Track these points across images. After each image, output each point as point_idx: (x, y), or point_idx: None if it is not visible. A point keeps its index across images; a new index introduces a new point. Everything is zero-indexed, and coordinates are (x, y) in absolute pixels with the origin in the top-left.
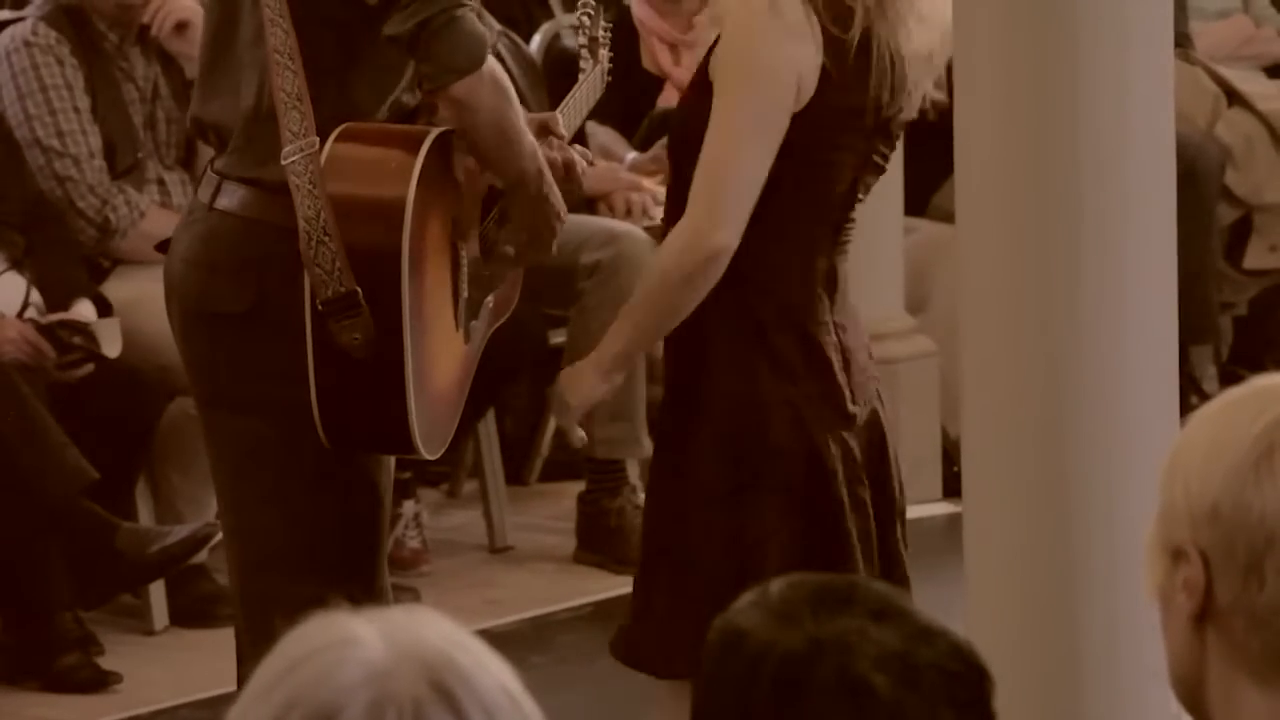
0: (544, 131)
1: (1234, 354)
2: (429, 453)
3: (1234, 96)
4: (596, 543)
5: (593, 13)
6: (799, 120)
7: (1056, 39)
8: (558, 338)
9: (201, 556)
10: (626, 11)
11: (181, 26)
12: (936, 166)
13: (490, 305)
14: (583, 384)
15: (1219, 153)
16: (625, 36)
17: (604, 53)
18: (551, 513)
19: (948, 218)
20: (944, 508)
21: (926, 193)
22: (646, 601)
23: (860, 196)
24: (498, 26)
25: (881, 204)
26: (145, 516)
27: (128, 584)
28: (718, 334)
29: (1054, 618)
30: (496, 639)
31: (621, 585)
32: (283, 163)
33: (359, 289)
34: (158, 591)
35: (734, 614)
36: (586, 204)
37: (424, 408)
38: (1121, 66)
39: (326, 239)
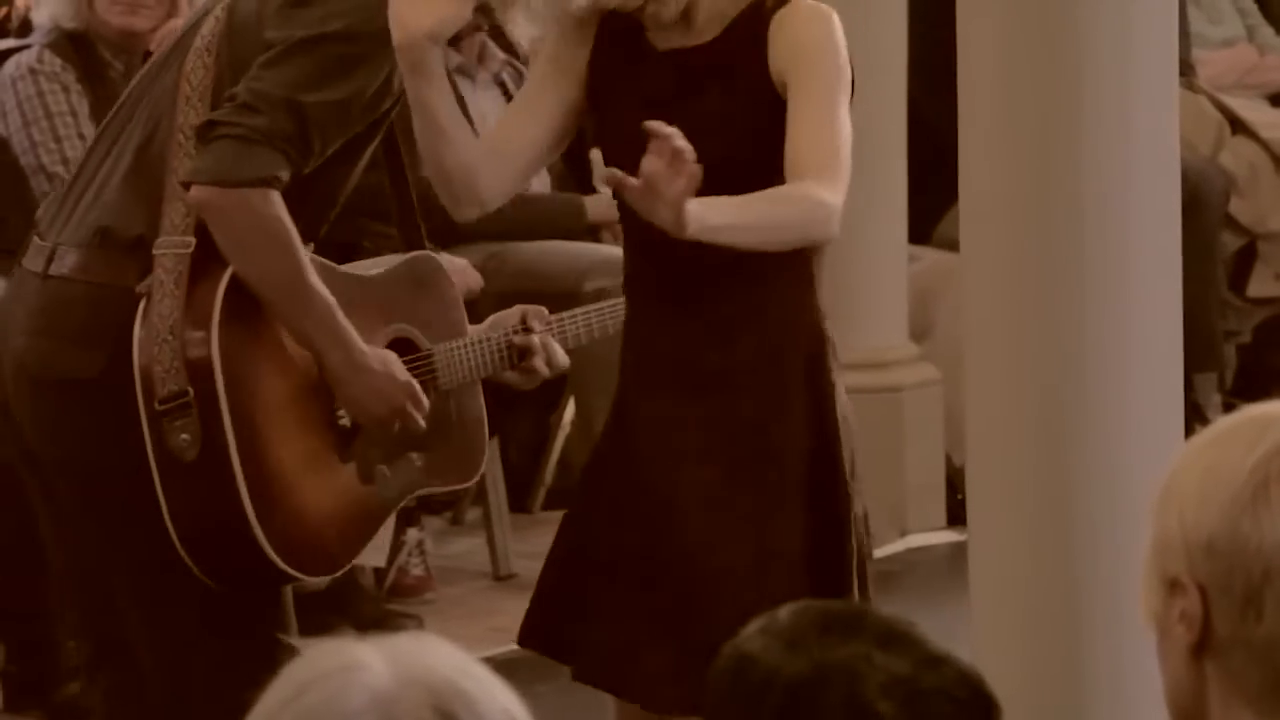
0: (525, 316)
1: (1238, 382)
2: (307, 572)
3: (1237, 125)
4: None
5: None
6: None
7: (1060, 68)
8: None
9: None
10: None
11: None
12: (940, 195)
13: (419, 464)
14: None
15: (1223, 181)
16: None
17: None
18: None
19: (952, 246)
20: (948, 536)
21: (930, 221)
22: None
23: None
24: (502, 56)
25: (886, 232)
26: None
27: None
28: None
29: (1059, 646)
30: (500, 667)
31: None
32: (154, 252)
33: (191, 390)
34: None
35: (741, 640)
36: (590, 232)
37: (278, 523)
38: (1125, 96)
39: (171, 339)
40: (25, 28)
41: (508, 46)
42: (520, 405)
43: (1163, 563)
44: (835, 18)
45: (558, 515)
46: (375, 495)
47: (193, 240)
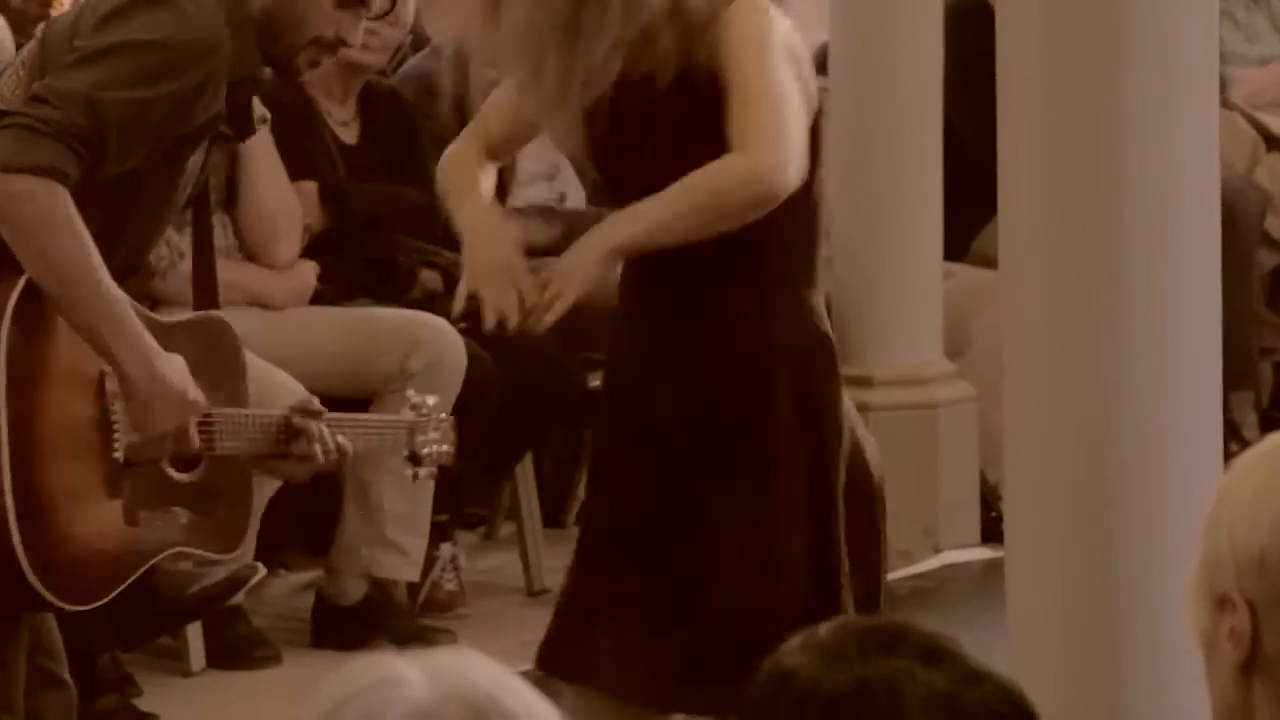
0: (301, 409)
1: (1274, 400)
2: (65, 600)
3: (1272, 141)
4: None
5: (426, 401)
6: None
7: (1101, 84)
8: (596, 381)
9: (239, 598)
10: None
11: None
12: (976, 212)
13: (182, 521)
14: (584, 262)
15: (1258, 198)
16: None
17: (425, 425)
18: None
19: (987, 263)
20: (982, 553)
21: (966, 238)
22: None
23: None
24: None
25: (921, 249)
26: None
27: (166, 625)
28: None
29: (1097, 664)
30: (535, 681)
31: None
32: None
33: None
34: (195, 633)
35: (782, 655)
36: None
37: (42, 548)
38: (1167, 111)
39: None
40: None
41: None
42: (553, 421)
43: (1212, 580)
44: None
45: None
46: (136, 540)
47: None
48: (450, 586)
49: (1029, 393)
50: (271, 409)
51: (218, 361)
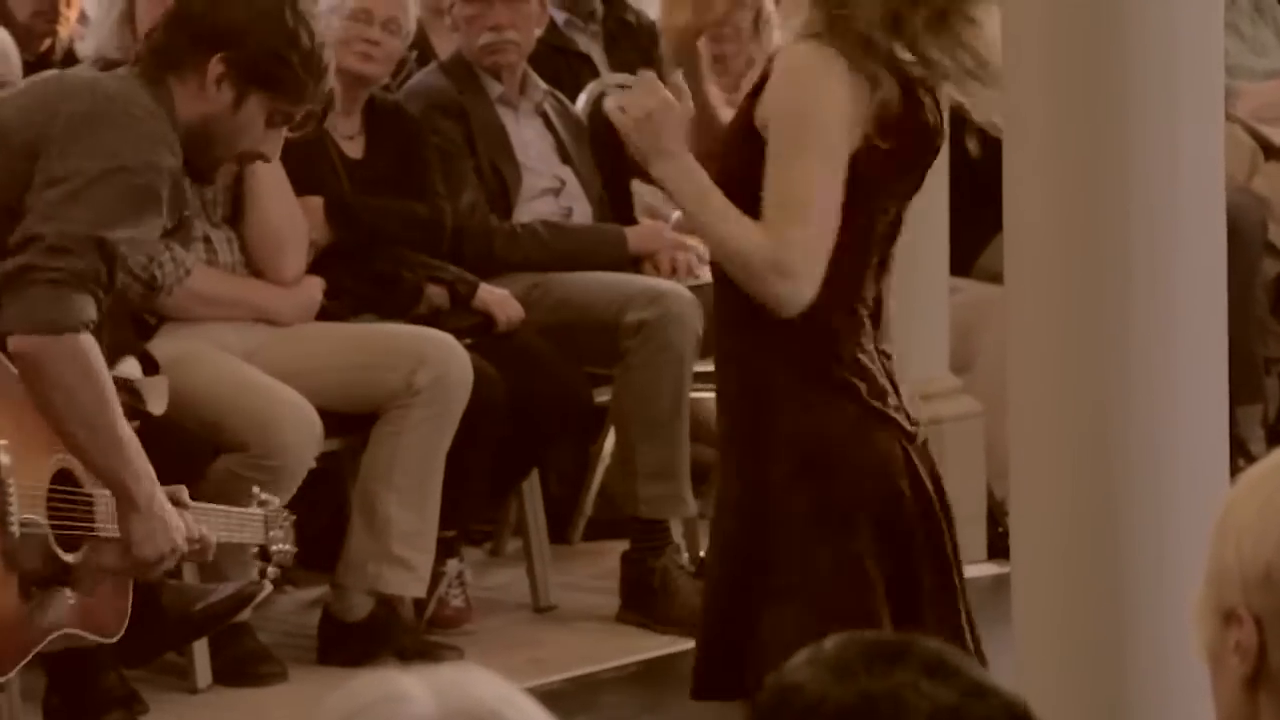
0: (174, 499)
1: None
2: None
3: (1270, 150)
4: (640, 602)
5: (278, 504)
6: (854, 162)
7: (1105, 100)
8: (602, 397)
9: (245, 615)
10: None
11: None
12: (982, 227)
13: (73, 603)
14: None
15: (1259, 208)
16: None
17: (275, 522)
18: (595, 572)
19: (993, 278)
20: (989, 569)
21: (972, 253)
22: (735, 637)
23: (902, 223)
24: (544, 86)
25: (927, 264)
26: (189, 574)
27: (172, 642)
28: (777, 372)
29: (1103, 679)
30: (541, 698)
31: (666, 645)
32: None
33: None
34: (201, 650)
35: (788, 670)
36: (631, 263)
37: None
38: (1171, 127)
39: None
40: (70, 59)
41: (550, 77)
42: (560, 437)
43: (1219, 594)
44: (806, 68)
45: (597, 546)
46: (27, 615)
47: None
48: (457, 603)
49: (1034, 408)
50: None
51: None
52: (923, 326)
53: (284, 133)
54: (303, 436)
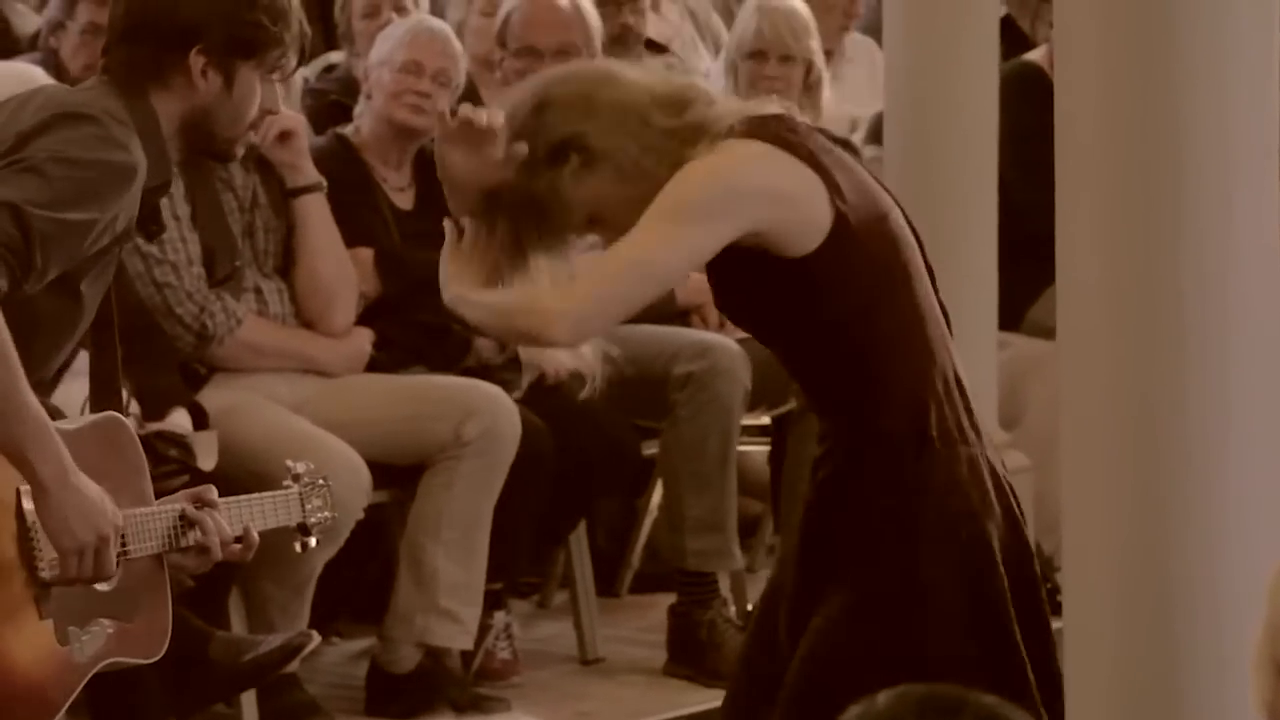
0: (194, 499)
1: None
2: None
3: None
4: (688, 655)
5: (309, 466)
6: (839, 241)
7: (1160, 153)
8: (650, 449)
9: (293, 666)
10: None
11: (285, 136)
12: (1031, 281)
13: (111, 632)
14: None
15: None
16: None
17: (309, 492)
18: (642, 625)
19: (1042, 333)
20: None
21: (1021, 308)
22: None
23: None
24: None
25: (975, 319)
26: (238, 625)
27: (221, 693)
28: (862, 463)
29: None
30: None
31: (713, 698)
32: None
33: None
34: (250, 701)
35: None
36: (679, 316)
37: None
38: (1225, 181)
39: None
40: None
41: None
42: (607, 489)
43: (1275, 647)
44: (733, 154)
45: (645, 599)
46: (68, 657)
47: None
48: (504, 655)
49: (1087, 465)
50: (167, 502)
51: (119, 461)
52: (971, 381)
53: (277, 79)
54: (351, 488)
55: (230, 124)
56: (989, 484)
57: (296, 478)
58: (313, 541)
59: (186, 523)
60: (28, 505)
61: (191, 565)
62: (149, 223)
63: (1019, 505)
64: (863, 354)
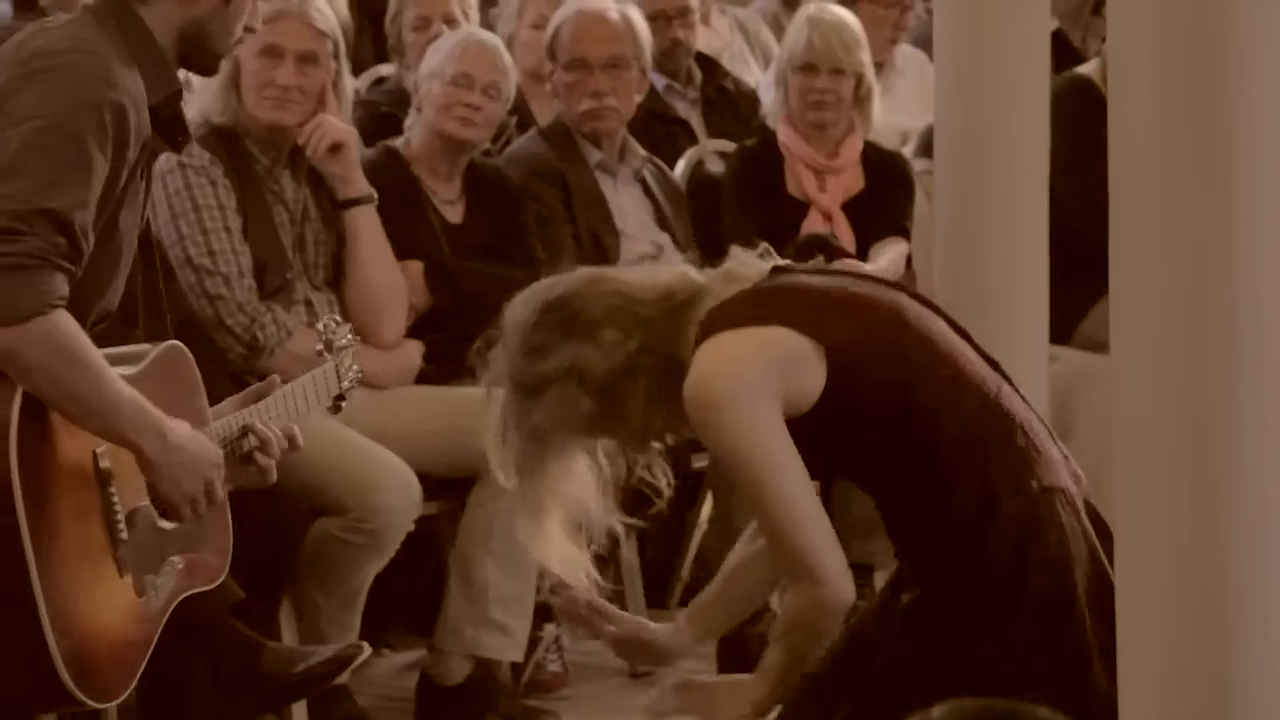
0: (253, 397)
1: None
2: (97, 698)
3: None
4: (737, 668)
5: (337, 321)
6: (855, 365)
7: (1216, 165)
8: (700, 462)
9: (344, 677)
10: (773, 137)
11: (336, 148)
12: (1082, 295)
13: (180, 565)
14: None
15: None
16: (771, 161)
17: (342, 358)
18: None
19: (1093, 346)
20: None
21: (1072, 322)
22: None
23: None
24: (643, 153)
25: (1026, 333)
26: (289, 636)
27: (271, 704)
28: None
29: None
30: None
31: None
32: None
33: None
34: (300, 712)
35: None
36: None
37: (75, 650)
38: None
39: None
40: None
41: (649, 144)
42: (656, 501)
43: None
44: (712, 403)
45: None
46: (146, 607)
47: None
48: (554, 667)
49: (1140, 480)
50: (226, 418)
51: (179, 388)
52: None
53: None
54: (402, 500)
55: (221, 37)
56: (1067, 527)
57: (327, 344)
58: (345, 404)
59: (246, 433)
60: (104, 465)
61: (254, 478)
62: (174, 134)
63: (1104, 536)
64: (912, 451)
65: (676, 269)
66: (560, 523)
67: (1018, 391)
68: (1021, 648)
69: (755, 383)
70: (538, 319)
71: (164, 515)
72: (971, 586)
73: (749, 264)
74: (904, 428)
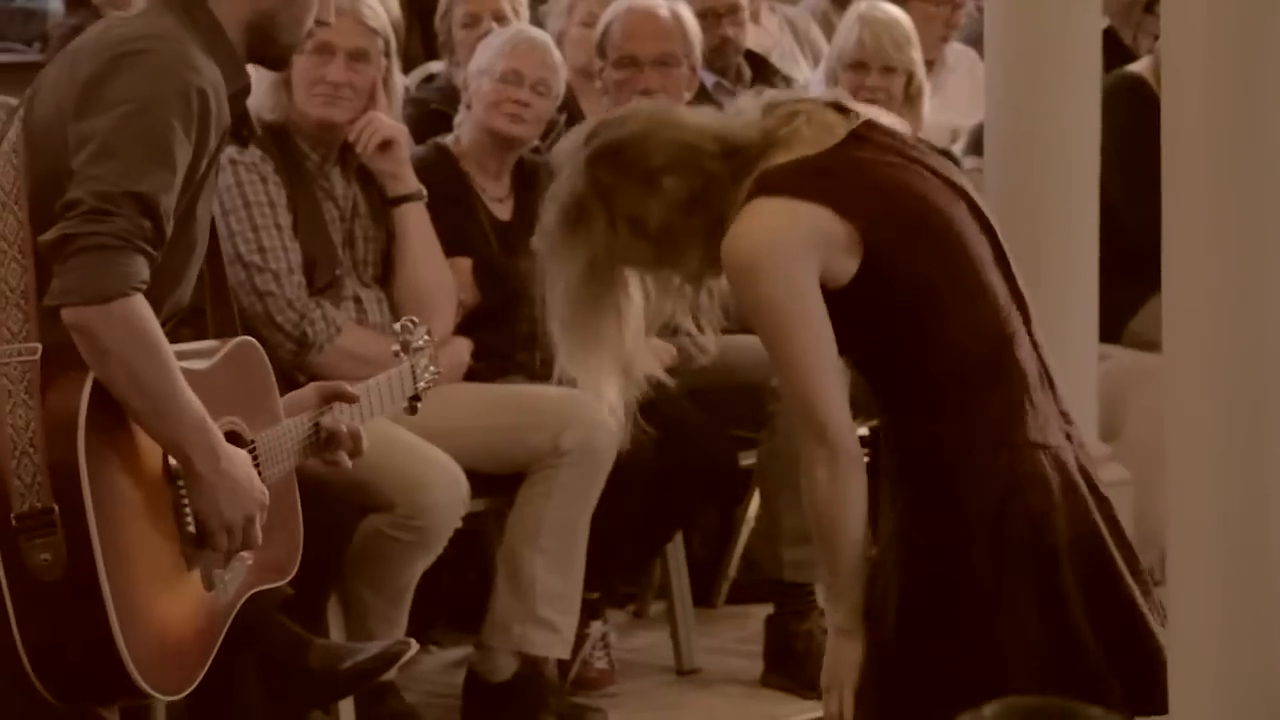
0: (333, 397)
1: None
2: (162, 691)
3: None
4: (784, 666)
5: (414, 322)
6: (872, 262)
7: (1268, 165)
8: (747, 459)
9: (391, 674)
10: None
11: (386, 145)
12: (1132, 293)
13: (249, 561)
14: (844, 661)
15: None
16: None
17: (418, 359)
18: (739, 635)
19: (1143, 345)
20: None
21: (1122, 320)
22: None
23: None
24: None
25: (1076, 330)
26: (336, 633)
27: (319, 700)
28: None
29: None
30: None
31: (809, 709)
32: None
33: (56, 506)
34: (347, 708)
35: None
36: None
37: (142, 642)
38: None
39: (32, 451)
40: None
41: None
42: (705, 499)
43: None
44: (748, 263)
45: (741, 609)
46: (215, 601)
47: (38, 346)
48: (600, 664)
49: (1193, 479)
50: (300, 417)
51: (252, 384)
52: (1071, 393)
53: None
54: (450, 497)
55: (291, 29)
56: (1053, 481)
57: (404, 345)
58: (420, 405)
59: (321, 432)
60: (174, 462)
61: (323, 471)
62: (240, 129)
63: (1095, 495)
64: (917, 358)
65: (747, 118)
66: (609, 359)
67: (1032, 336)
68: (1005, 600)
69: (794, 244)
70: (597, 156)
71: (198, 541)
72: (951, 541)
73: (826, 123)
74: (915, 343)
